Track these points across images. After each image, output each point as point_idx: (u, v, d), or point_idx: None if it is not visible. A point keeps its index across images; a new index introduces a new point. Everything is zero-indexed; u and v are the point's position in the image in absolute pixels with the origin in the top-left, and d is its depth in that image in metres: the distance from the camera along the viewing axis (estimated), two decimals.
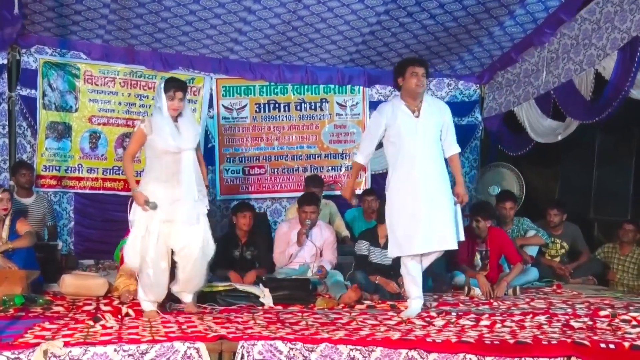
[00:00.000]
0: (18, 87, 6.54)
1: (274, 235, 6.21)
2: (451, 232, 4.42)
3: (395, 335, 3.63)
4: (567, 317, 4.32)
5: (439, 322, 4.15)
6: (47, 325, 3.78)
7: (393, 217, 4.53)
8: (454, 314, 4.39)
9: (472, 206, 5.95)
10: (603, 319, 4.22)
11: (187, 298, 4.45)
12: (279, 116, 7.41)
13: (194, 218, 4.32)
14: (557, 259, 6.45)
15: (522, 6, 5.86)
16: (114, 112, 6.93)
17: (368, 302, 4.84)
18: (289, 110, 7.42)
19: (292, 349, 3.35)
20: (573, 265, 6.37)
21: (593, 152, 7.35)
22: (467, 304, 4.94)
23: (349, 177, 5.02)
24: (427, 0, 5.81)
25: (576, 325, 4.06)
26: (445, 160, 4.62)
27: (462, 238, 4.55)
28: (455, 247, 4.47)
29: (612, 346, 3.44)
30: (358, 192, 6.85)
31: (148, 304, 4.30)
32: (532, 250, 6.24)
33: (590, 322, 4.12)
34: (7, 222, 5.16)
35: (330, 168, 7.50)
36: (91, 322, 3.83)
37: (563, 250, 6.49)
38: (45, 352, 3.13)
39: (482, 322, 4.14)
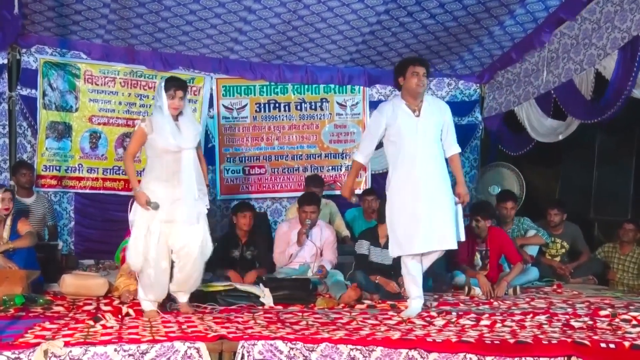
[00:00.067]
0: (18, 87, 6.54)
1: (274, 235, 6.21)
2: (451, 231, 4.42)
3: (396, 335, 3.63)
4: (567, 316, 4.32)
5: (440, 321, 4.15)
6: (47, 325, 3.78)
7: (393, 216, 4.53)
8: (454, 313, 4.39)
9: (472, 206, 5.94)
10: (603, 319, 4.22)
11: (183, 298, 4.44)
12: (279, 116, 7.40)
13: (194, 217, 4.32)
14: (558, 259, 6.46)
15: (522, 6, 5.85)
16: (114, 112, 6.94)
17: (368, 302, 4.84)
18: (289, 110, 7.42)
19: (292, 348, 3.35)
20: (573, 265, 6.37)
21: (593, 152, 7.35)
22: (468, 304, 4.94)
23: (348, 175, 5.00)
24: (427, 0, 5.81)
25: (576, 324, 4.06)
26: (446, 160, 4.62)
27: (463, 238, 4.55)
28: (455, 247, 4.47)
29: (612, 346, 3.44)
30: (358, 191, 6.85)
31: (148, 304, 4.30)
32: (532, 250, 6.24)
33: (590, 322, 4.12)
34: (9, 222, 5.16)
35: (330, 168, 7.50)
36: (91, 322, 3.84)
37: (563, 250, 6.49)
38: (45, 352, 3.13)
39: (483, 322, 4.14)
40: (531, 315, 4.36)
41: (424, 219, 4.38)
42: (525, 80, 6.73)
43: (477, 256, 5.65)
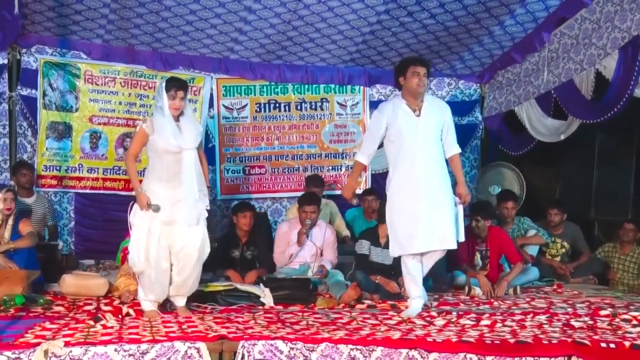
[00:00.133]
0: (18, 87, 6.54)
1: (274, 235, 6.21)
2: (451, 231, 4.42)
3: (396, 334, 3.63)
4: (567, 316, 4.32)
5: (440, 321, 4.15)
6: (47, 325, 3.78)
7: (394, 216, 4.54)
8: (454, 313, 4.39)
9: (472, 206, 5.93)
10: (603, 319, 4.22)
11: (181, 302, 4.41)
12: (280, 116, 7.41)
13: (193, 219, 4.31)
14: (558, 259, 6.45)
15: (522, 6, 5.85)
16: (115, 112, 6.94)
17: (368, 302, 4.84)
18: (289, 110, 7.43)
19: (292, 348, 3.35)
20: (573, 265, 6.37)
21: (594, 152, 7.34)
22: (468, 304, 4.94)
23: (350, 176, 4.99)
24: (427, 0, 5.81)
25: (577, 324, 4.06)
26: (446, 160, 4.62)
27: (462, 239, 4.55)
28: (455, 247, 4.48)
29: (612, 345, 3.44)
30: (358, 191, 6.85)
31: (148, 304, 4.30)
32: (532, 250, 6.24)
33: (590, 322, 4.12)
34: (11, 222, 5.16)
35: (330, 168, 7.50)
36: (92, 322, 3.84)
37: (563, 250, 6.49)
38: (45, 352, 3.13)
39: (483, 322, 4.14)
40: (531, 315, 4.36)
41: (424, 219, 4.38)
42: (525, 80, 6.72)
43: (478, 256, 5.65)
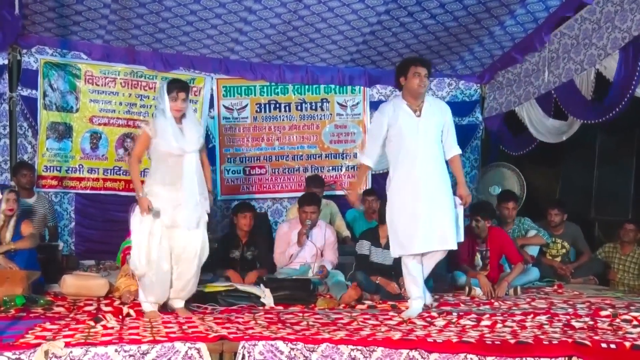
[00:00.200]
0: (19, 88, 6.54)
1: (274, 236, 6.21)
2: (451, 232, 4.43)
3: (396, 335, 3.63)
4: (568, 317, 4.31)
5: (440, 322, 4.15)
6: (48, 325, 3.78)
7: (394, 216, 4.54)
8: (455, 314, 4.39)
9: (472, 206, 5.93)
10: (604, 319, 4.22)
11: (179, 304, 4.42)
12: (280, 116, 7.41)
13: (193, 222, 4.31)
14: (558, 259, 6.45)
15: (522, 6, 5.85)
16: (115, 113, 6.94)
17: (369, 302, 4.84)
18: (289, 111, 7.43)
19: (293, 349, 3.35)
20: (574, 265, 6.36)
21: (594, 152, 7.34)
22: (468, 304, 4.94)
23: (356, 177, 4.95)
24: (427, 0, 5.81)
25: (577, 325, 4.05)
26: (446, 161, 4.62)
27: (461, 239, 4.55)
28: (455, 247, 4.48)
29: (613, 346, 3.44)
30: (358, 192, 6.84)
31: (148, 305, 4.30)
32: (533, 250, 6.23)
33: (591, 322, 4.12)
34: (13, 222, 5.17)
35: (330, 168, 7.50)
36: (92, 323, 3.83)
37: (564, 250, 6.49)
38: (46, 353, 3.13)
39: (483, 322, 4.13)
40: (532, 315, 4.36)
41: (424, 219, 4.38)
42: (525, 80, 6.73)
43: (478, 256, 5.65)
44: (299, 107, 7.44)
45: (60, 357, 3.15)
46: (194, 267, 4.35)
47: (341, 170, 7.51)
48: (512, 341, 3.52)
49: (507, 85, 7.12)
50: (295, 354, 3.34)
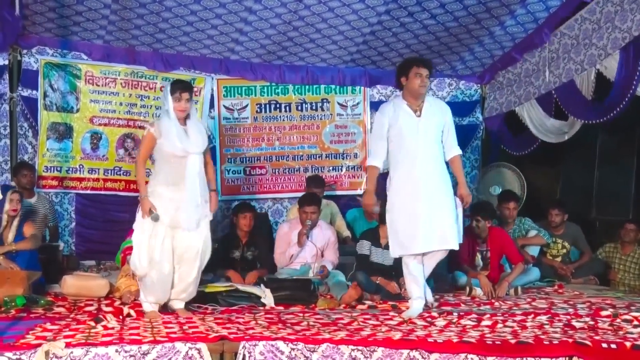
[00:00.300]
0: (19, 88, 6.54)
1: (275, 236, 6.21)
2: (452, 231, 4.42)
3: (397, 335, 3.63)
4: (568, 317, 4.32)
5: (441, 322, 4.15)
6: (48, 326, 3.78)
7: (394, 216, 4.54)
8: (455, 314, 4.39)
9: (472, 206, 5.93)
10: (605, 319, 4.22)
11: (179, 305, 4.42)
12: (280, 116, 7.40)
13: (193, 223, 4.32)
14: (559, 259, 6.45)
15: (522, 6, 5.85)
16: (115, 113, 6.93)
17: (369, 303, 4.84)
18: (290, 111, 7.42)
19: (293, 349, 3.35)
20: (574, 265, 6.36)
21: (595, 152, 7.34)
22: (469, 304, 4.94)
23: (367, 182, 4.89)
24: (427, 0, 5.81)
25: (578, 325, 4.06)
26: (446, 162, 4.62)
27: (461, 240, 4.55)
28: (456, 247, 4.48)
29: (613, 346, 3.44)
30: (359, 192, 6.85)
31: (149, 305, 4.30)
32: (533, 250, 6.23)
33: (591, 322, 4.12)
34: (16, 223, 5.17)
35: (331, 168, 7.50)
36: (92, 323, 3.84)
37: (564, 250, 6.48)
38: (46, 353, 3.13)
39: (484, 322, 4.14)
40: (532, 315, 4.36)
41: (424, 219, 4.39)
42: (526, 80, 6.72)
43: (478, 256, 5.65)
44: (300, 107, 7.44)
45: (60, 357, 3.15)
46: (195, 268, 4.35)
47: (341, 171, 7.50)
48: (513, 341, 3.53)
49: (508, 86, 7.12)
50: (295, 354, 3.34)
